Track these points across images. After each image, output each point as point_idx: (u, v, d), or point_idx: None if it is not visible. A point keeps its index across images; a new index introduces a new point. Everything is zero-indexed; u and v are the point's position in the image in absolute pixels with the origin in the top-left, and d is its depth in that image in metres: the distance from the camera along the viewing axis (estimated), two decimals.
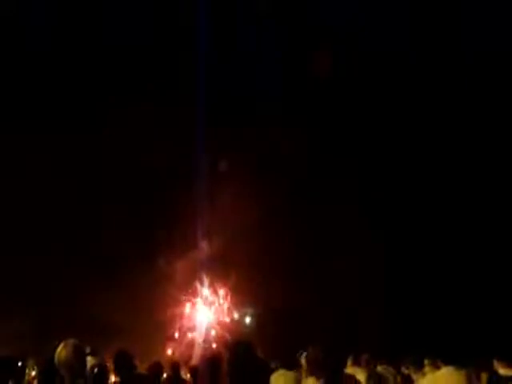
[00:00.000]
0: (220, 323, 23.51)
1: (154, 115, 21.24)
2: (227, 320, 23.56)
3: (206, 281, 23.79)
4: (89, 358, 5.57)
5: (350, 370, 6.81)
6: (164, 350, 22.08)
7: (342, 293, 19.73)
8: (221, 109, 22.12)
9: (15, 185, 20.01)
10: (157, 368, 6.42)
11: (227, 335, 22.73)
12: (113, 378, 6.38)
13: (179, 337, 23.12)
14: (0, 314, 18.83)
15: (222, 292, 23.74)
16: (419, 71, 22.38)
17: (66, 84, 21.68)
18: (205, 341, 23.03)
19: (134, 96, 21.17)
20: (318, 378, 4.17)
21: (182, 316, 23.36)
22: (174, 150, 21.24)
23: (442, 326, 18.77)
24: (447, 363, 6.20)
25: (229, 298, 23.70)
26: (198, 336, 23.36)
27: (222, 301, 23.74)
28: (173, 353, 22.21)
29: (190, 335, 23.33)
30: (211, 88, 21.27)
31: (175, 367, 7.65)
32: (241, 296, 23.34)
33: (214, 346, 22.33)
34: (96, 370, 5.66)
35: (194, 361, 20.12)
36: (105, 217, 21.11)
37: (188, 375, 8.43)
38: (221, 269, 23.57)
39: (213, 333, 23.44)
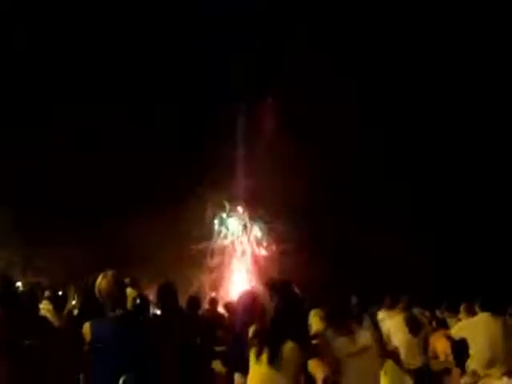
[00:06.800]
0: (254, 258, 23.75)
1: None
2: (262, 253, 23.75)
3: (241, 216, 23.97)
4: (128, 290, 5.67)
5: (385, 313, 6.83)
6: (195, 283, 22.39)
7: (379, 238, 19.68)
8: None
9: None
10: (195, 302, 6.53)
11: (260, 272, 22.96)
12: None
13: (210, 271, 23.45)
14: (41, 245, 19.50)
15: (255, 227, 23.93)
16: None
17: None
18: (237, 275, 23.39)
19: None
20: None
21: (213, 250, 23.66)
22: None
23: (480, 271, 18.72)
24: (484, 309, 6.17)
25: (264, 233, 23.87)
26: (228, 271, 23.71)
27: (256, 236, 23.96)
28: (202, 285, 22.54)
29: (220, 270, 23.66)
30: None
31: (213, 302, 7.78)
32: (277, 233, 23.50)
33: (248, 281, 22.61)
34: (138, 300, 5.77)
35: (224, 294, 20.62)
36: (142, 160, 21.30)
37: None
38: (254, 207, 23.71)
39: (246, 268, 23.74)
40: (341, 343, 4.21)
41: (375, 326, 4.74)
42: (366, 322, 4.57)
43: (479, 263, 19.50)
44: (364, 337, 4.30)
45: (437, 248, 20.25)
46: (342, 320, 4.37)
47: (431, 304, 9.19)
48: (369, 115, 21.63)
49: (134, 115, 21.34)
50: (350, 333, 4.27)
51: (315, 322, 7.39)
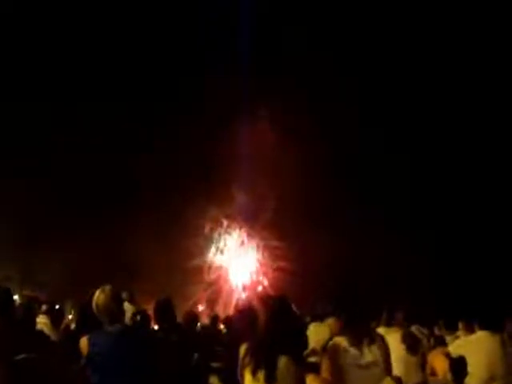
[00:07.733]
0: (251, 274, 23.73)
1: None
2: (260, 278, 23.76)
3: (238, 233, 23.96)
4: (126, 304, 5.65)
5: (382, 329, 6.78)
6: (191, 298, 22.35)
7: (378, 251, 19.65)
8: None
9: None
10: (192, 318, 6.51)
11: (259, 288, 22.94)
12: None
13: (207, 285, 23.42)
14: (39, 259, 19.44)
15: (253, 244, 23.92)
16: None
17: None
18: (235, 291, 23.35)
19: None
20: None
21: (210, 266, 23.65)
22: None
23: (478, 288, 18.63)
24: (482, 327, 6.14)
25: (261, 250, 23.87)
26: (225, 285, 23.67)
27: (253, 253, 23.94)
28: (199, 300, 22.51)
29: (217, 285, 23.63)
30: None
31: (214, 318, 7.77)
32: (273, 249, 23.49)
33: (245, 297, 22.59)
34: (138, 316, 5.74)
35: (220, 308, 20.59)
36: (142, 169, 21.30)
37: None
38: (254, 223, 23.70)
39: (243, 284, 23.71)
40: (351, 353, 4.22)
41: (384, 341, 4.72)
42: (377, 337, 4.57)
43: (477, 280, 19.43)
44: (373, 351, 4.31)
45: (436, 264, 20.20)
46: (357, 329, 4.39)
47: (429, 321, 9.17)
48: (369, 115, 21.70)
49: (134, 115, 21.41)
50: (361, 344, 4.29)
51: (321, 331, 7.32)
